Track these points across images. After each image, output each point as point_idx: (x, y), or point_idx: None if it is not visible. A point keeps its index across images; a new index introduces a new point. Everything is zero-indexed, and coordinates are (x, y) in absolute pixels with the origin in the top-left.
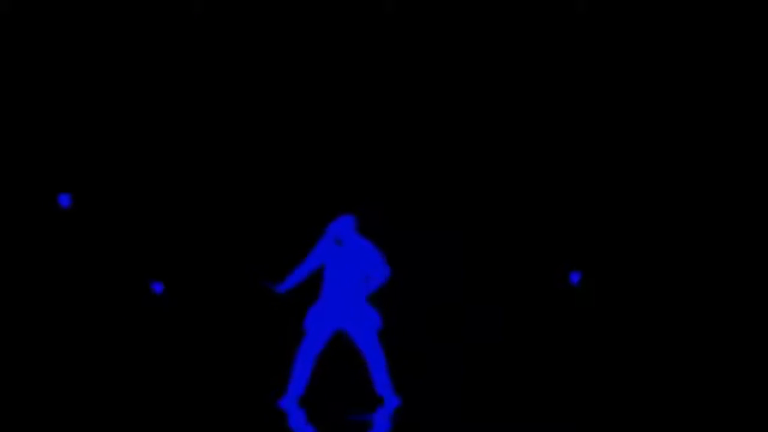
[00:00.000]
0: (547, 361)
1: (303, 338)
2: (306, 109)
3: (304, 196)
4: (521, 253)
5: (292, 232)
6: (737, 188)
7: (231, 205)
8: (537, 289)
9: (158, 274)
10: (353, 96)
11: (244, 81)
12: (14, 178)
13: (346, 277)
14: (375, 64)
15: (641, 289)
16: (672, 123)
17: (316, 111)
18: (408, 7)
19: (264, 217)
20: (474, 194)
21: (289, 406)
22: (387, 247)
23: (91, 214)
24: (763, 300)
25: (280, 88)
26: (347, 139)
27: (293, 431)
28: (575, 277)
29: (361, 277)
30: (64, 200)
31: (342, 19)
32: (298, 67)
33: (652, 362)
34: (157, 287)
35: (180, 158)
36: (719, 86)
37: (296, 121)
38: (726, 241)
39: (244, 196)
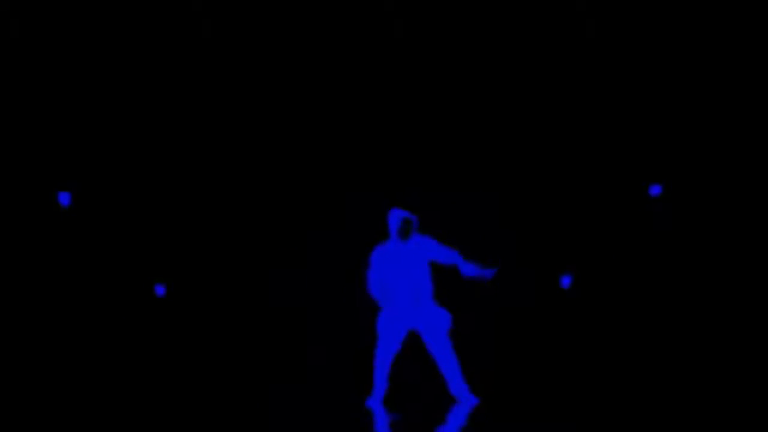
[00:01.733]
0: (543, 362)
1: (377, 341)
2: (308, 117)
3: (304, 199)
4: (517, 256)
5: (291, 232)
6: (735, 195)
7: (232, 207)
8: (531, 290)
9: (161, 276)
10: (358, 103)
11: (251, 95)
12: (14, 177)
13: (414, 275)
14: (380, 68)
15: (635, 292)
16: (672, 126)
17: (319, 118)
18: (409, 6)
19: (264, 218)
20: (469, 198)
21: (375, 407)
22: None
23: (90, 214)
24: (757, 305)
25: (282, 91)
26: (347, 145)
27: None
28: (566, 281)
29: (427, 274)
30: (64, 199)
31: (352, 43)
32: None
33: (648, 363)
34: (160, 290)
35: (181, 160)
36: (720, 89)
37: (297, 126)
38: (722, 246)
39: (247, 199)
